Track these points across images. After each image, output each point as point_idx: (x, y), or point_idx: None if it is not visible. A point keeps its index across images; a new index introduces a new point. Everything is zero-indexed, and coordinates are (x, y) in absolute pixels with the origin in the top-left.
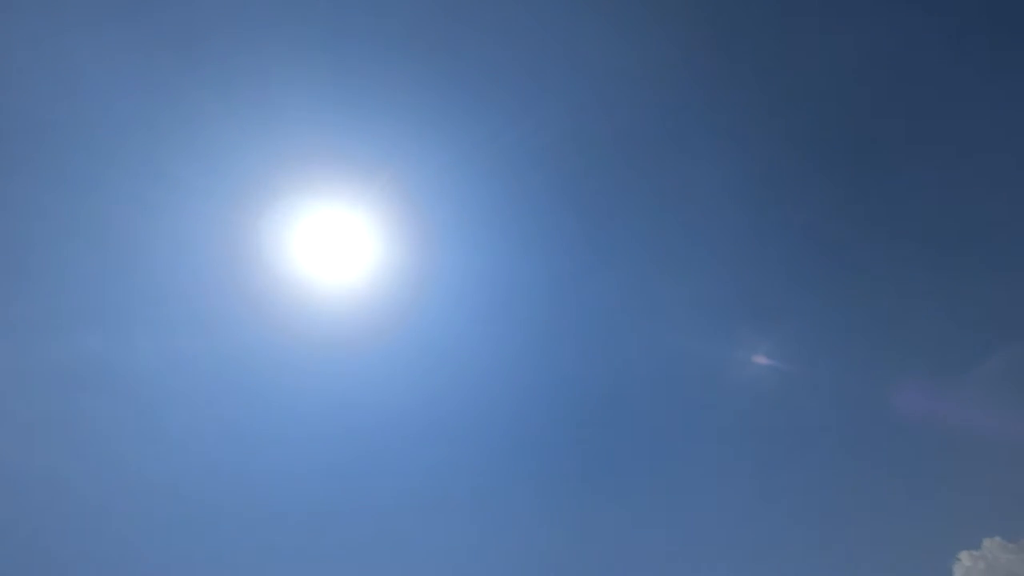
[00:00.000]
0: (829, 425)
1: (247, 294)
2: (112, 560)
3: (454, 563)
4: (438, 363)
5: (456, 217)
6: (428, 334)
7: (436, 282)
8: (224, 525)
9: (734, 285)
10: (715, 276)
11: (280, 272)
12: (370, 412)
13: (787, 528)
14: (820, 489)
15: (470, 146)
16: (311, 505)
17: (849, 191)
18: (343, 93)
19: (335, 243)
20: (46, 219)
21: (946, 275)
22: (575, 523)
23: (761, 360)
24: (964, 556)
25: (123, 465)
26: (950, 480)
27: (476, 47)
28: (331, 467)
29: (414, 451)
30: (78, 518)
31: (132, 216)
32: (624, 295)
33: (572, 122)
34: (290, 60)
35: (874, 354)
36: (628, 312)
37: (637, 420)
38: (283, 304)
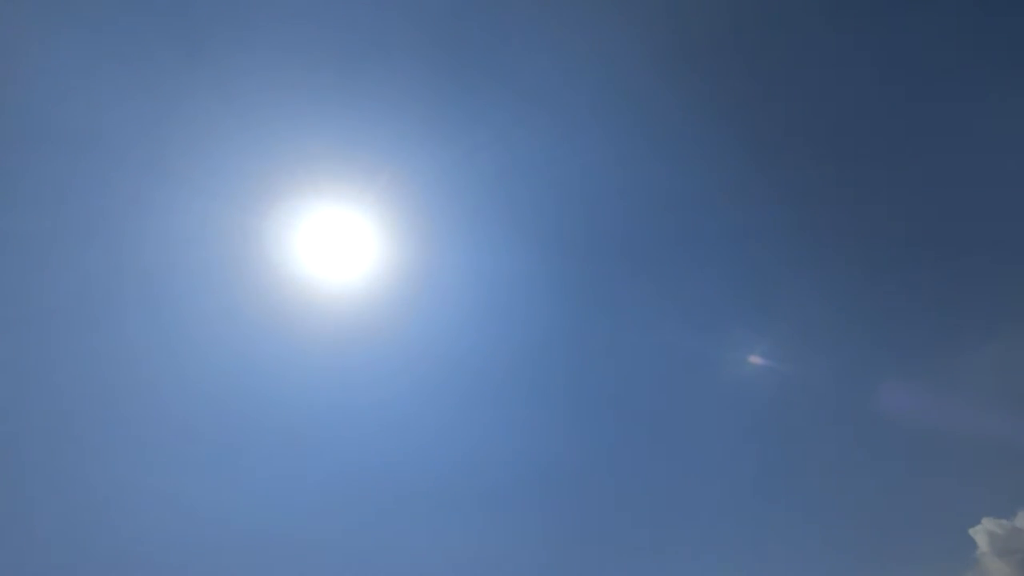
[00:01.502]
0: (833, 417)
1: (253, 293)
2: (113, 561)
3: (455, 561)
4: (440, 361)
5: (458, 217)
6: (431, 333)
7: (439, 281)
8: (227, 523)
9: (735, 284)
10: (716, 275)
11: (286, 271)
12: (373, 410)
13: (795, 519)
14: (824, 482)
15: (472, 147)
16: (315, 502)
17: (848, 190)
18: (347, 95)
19: (340, 243)
20: (53, 219)
21: (943, 274)
22: (576, 521)
23: (764, 360)
24: (986, 521)
25: (126, 463)
26: (952, 473)
27: (478, 50)
28: (335, 465)
29: (416, 449)
30: (79, 518)
31: (138, 215)
32: (625, 295)
33: (574, 123)
34: (295, 63)
35: (877, 351)
36: (629, 311)
37: (638, 419)
38: (288, 303)
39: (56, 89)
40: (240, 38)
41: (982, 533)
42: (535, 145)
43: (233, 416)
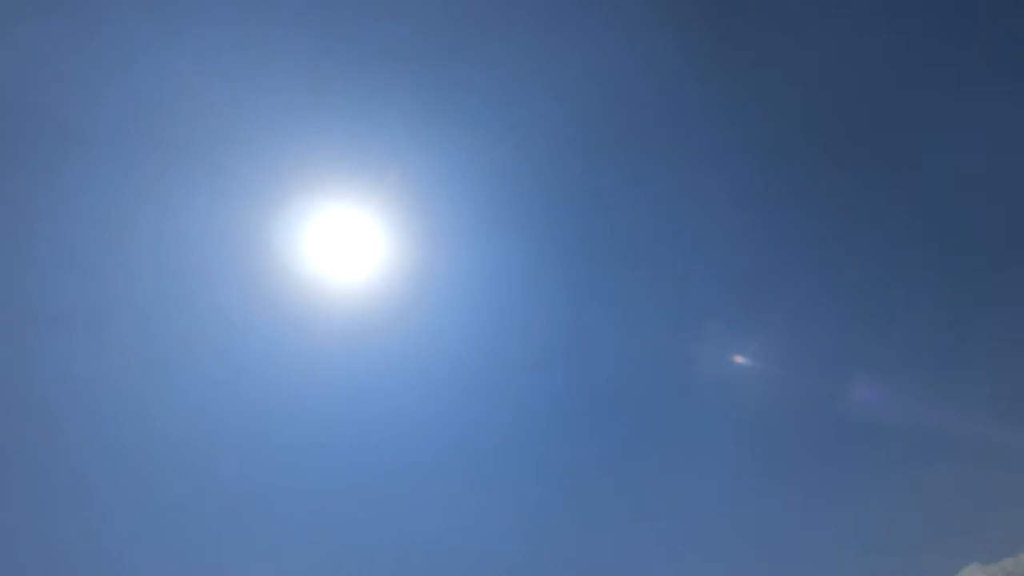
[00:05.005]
0: (827, 423)
1: (263, 292)
2: (122, 559)
3: (455, 558)
4: (443, 360)
5: (462, 218)
6: (434, 332)
7: (442, 281)
8: (231, 516)
9: (737, 285)
10: (716, 277)
11: (295, 270)
12: (376, 407)
13: (791, 519)
14: (812, 487)
15: (478, 148)
16: (320, 500)
17: (847, 192)
18: (356, 98)
19: (347, 242)
20: (65, 219)
21: (940, 275)
22: (574, 519)
23: (763, 361)
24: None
25: (134, 459)
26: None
27: (483, 53)
28: (341, 461)
29: (419, 446)
30: (89, 517)
31: (148, 215)
32: (628, 294)
33: (576, 125)
34: (304, 66)
35: (879, 352)
36: (632, 311)
37: (637, 418)
38: (297, 301)
39: (67, 91)
40: (249, 41)
41: None
42: (540, 145)
43: (242, 414)
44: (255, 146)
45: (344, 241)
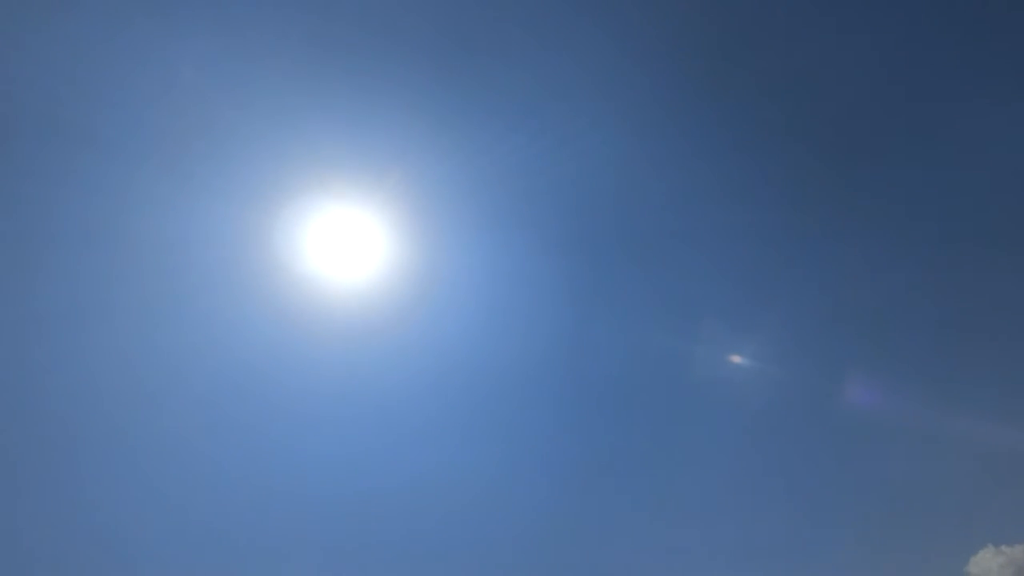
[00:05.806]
0: (828, 419)
1: (263, 294)
2: (118, 562)
3: (458, 560)
4: (443, 362)
5: (463, 218)
6: (434, 332)
7: (442, 280)
8: (232, 517)
9: (737, 284)
10: (717, 276)
11: (296, 272)
12: (378, 408)
13: (786, 526)
14: (811, 488)
15: (479, 149)
16: (320, 503)
17: (845, 190)
18: (358, 100)
19: (350, 243)
20: (61, 218)
21: (940, 275)
22: (574, 518)
23: (760, 361)
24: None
25: (131, 462)
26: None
27: (484, 54)
28: (341, 462)
29: (417, 448)
30: (85, 519)
31: (148, 216)
32: (629, 295)
33: (577, 125)
34: (304, 62)
35: (877, 353)
36: (632, 312)
37: (639, 418)
38: (299, 302)
39: (67, 92)
40: (250, 42)
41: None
42: (541, 146)
43: (243, 415)
44: (257, 147)
45: (347, 242)
